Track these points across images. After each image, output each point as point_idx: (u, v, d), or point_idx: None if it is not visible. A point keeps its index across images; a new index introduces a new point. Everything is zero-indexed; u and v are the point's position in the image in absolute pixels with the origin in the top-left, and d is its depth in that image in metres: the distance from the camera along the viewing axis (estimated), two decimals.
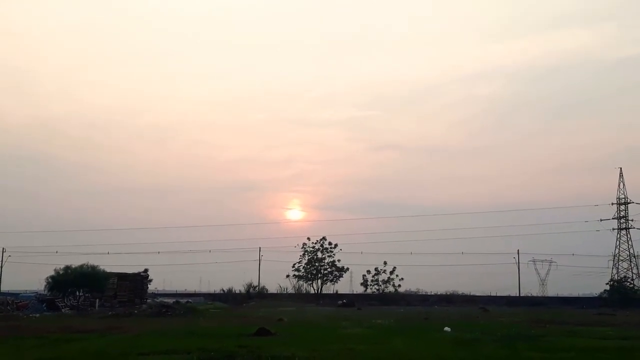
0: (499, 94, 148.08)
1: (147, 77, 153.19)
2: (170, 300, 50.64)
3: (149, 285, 58.32)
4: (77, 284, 45.94)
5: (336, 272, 75.51)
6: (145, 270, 57.82)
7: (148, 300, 51.00)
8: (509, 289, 78.16)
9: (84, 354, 14.96)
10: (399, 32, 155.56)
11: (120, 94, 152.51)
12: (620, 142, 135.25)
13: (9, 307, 39.37)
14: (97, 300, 46.43)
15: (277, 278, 77.11)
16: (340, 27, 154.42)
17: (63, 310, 41.63)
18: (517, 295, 75.90)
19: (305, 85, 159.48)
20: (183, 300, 52.46)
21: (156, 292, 68.78)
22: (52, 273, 46.85)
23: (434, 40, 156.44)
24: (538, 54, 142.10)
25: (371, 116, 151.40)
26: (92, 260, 49.47)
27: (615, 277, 76.27)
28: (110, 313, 36.77)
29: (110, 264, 57.26)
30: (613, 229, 79.84)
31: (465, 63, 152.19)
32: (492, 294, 75.24)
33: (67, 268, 46.85)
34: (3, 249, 79.08)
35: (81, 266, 47.13)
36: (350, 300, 62.70)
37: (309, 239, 76.96)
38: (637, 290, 73.72)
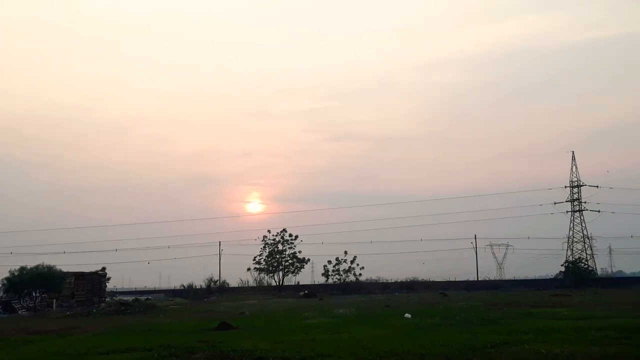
0: (454, 81, 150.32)
1: (101, 74, 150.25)
2: (130, 298, 50.07)
3: (107, 284, 57.49)
4: (33, 285, 45.03)
5: (297, 264, 75.62)
6: (103, 269, 57.15)
7: (106, 299, 50.27)
8: (467, 274, 79.85)
9: (42, 355, 14.66)
10: (355, 24, 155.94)
11: (75, 91, 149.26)
12: (572, 126, 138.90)
13: None
14: (55, 300, 45.59)
15: (238, 272, 77.06)
16: (296, 21, 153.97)
17: (19, 311, 40.74)
18: (476, 279, 77.39)
19: (263, 79, 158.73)
20: (142, 297, 51.90)
21: (115, 290, 67.77)
22: (7, 274, 45.83)
23: (389, 31, 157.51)
24: (491, 42, 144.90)
25: (330, 107, 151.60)
26: (48, 260, 48.49)
27: (570, 258, 78.49)
28: (68, 313, 36.07)
29: (67, 264, 56.11)
30: (567, 211, 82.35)
31: (420, 53, 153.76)
32: (451, 279, 76.47)
33: (22, 269, 45.82)
34: None
35: (37, 266, 46.15)
36: (312, 290, 62.93)
37: (269, 231, 77.04)
38: (592, 270, 76.07)
